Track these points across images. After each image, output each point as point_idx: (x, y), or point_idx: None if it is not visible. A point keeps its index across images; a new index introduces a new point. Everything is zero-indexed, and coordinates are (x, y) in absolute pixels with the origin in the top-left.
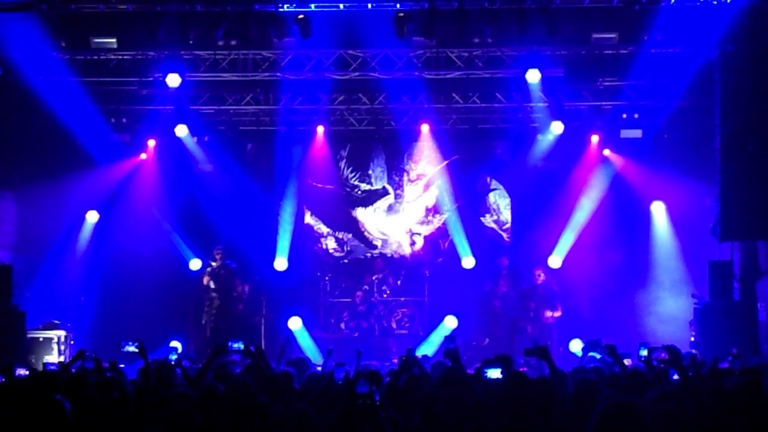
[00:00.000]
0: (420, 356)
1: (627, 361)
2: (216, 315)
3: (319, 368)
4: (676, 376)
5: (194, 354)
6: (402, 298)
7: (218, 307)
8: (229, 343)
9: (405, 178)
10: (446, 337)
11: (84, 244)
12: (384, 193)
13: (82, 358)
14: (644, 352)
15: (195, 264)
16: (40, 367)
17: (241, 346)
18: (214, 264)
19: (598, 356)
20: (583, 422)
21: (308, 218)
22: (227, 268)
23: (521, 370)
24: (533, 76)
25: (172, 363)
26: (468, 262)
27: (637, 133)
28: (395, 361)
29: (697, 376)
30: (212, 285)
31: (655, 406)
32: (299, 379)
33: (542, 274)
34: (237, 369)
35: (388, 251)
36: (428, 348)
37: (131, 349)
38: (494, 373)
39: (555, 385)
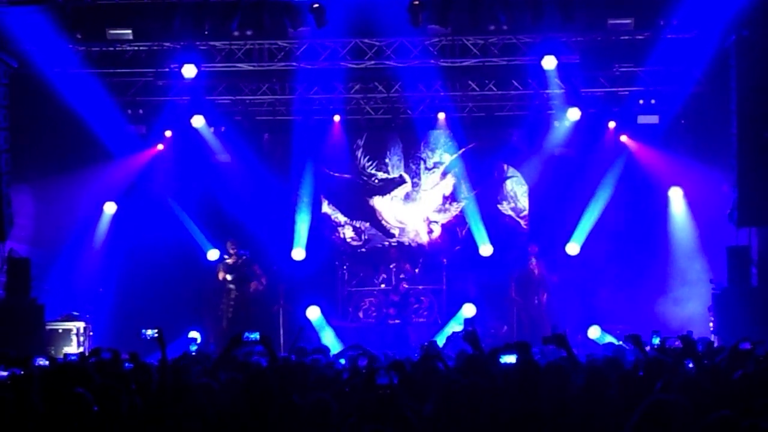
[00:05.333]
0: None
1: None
2: (234, 306)
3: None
4: (691, 365)
5: (214, 345)
6: (420, 287)
7: (236, 297)
8: (245, 335)
9: (422, 166)
10: (466, 320)
11: (101, 235)
12: (401, 181)
13: (98, 354)
14: (656, 341)
15: (213, 254)
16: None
17: (257, 337)
18: (227, 258)
19: (618, 342)
20: (596, 410)
21: (325, 207)
22: (242, 258)
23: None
24: (549, 62)
25: (193, 354)
26: (485, 249)
27: (653, 119)
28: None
29: (711, 363)
30: (228, 278)
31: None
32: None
33: (534, 260)
34: (254, 358)
35: (405, 240)
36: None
37: (150, 333)
38: (509, 359)
39: (570, 372)
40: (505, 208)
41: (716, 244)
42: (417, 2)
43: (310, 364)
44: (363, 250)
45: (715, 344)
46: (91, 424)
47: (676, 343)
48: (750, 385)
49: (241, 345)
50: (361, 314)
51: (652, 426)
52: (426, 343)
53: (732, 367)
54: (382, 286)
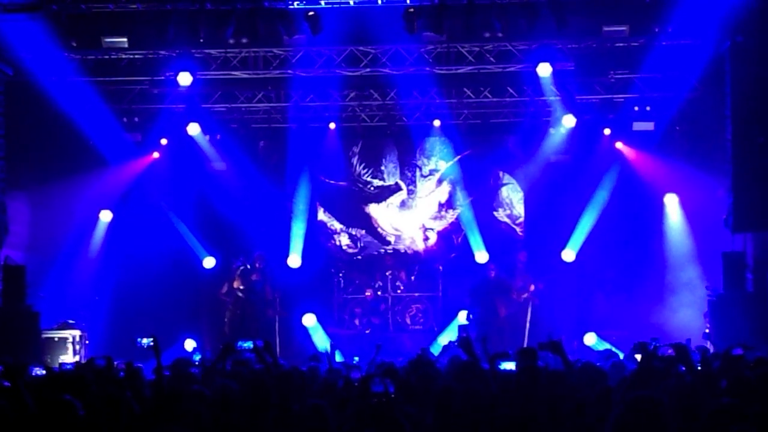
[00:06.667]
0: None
1: (637, 356)
2: (240, 315)
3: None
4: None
5: (210, 352)
6: (416, 294)
7: (242, 306)
8: (238, 343)
9: (417, 173)
10: (460, 327)
11: (97, 243)
12: (396, 188)
13: (92, 364)
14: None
15: (208, 262)
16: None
17: (250, 346)
18: (244, 266)
19: (615, 349)
20: (593, 415)
21: (321, 215)
22: (262, 273)
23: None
24: (544, 69)
25: (197, 363)
26: (481, 256)
27: (649, 126)
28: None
29: (707, 370)
30: (241, 286)
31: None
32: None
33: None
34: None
35: (401, 247)
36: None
37: (146, 341)
38: (509, 365)
39: (567, 379)
40: (501, 215)
41: (712, 250)
42: (412, 10)
43: (307, 372)
44: (359, 257)
45: (711, 350)
46: (79, 430)
47: (669, 351)
48: (742, 391)
49: (234, 353)
50: (356, 321)
51: (634, 422)
52: (420, 351)
53: (725, 373)
54: (367, 293)
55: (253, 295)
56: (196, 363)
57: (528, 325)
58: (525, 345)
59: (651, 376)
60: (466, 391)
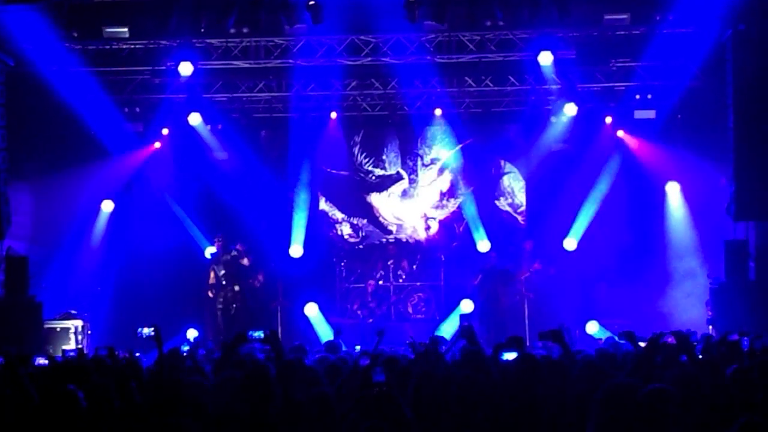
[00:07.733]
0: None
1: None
2: (225, 302)
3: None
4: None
5: (212, 342)
6: (418, 283)
7: (228, 293)
8: (249, 332)
9: (419, 162)
10: (462, 316)
11: (99, 233)
12: (398, 178)
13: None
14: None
15: (210, 252)
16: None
17: (261, 335)
18: (214, 251)
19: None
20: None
21: (323, 204)
22: (231, 254)
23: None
24: (545, 58)
25: (184, 354)
26: (483, 245)
27: (650, 114)
28: (411, 336)
29: (709, 358)
30: (221, 273)
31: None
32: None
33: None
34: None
35: (403, 236)
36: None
37: (147, 331)
38: (510, 356)
39: (566, 368)
40: (503, 203)
41: (714, 238)
42: None
43: (314, 361)
44: (360, 246)
45: (713, 339)
46: (81, 420)
47: (670, 339)
48: (745, 378)
49: (245, 342)
50: (358, 311)
51: (613, 411)
52: (411, 340)
53: (727, 361)
54: (369, 282)
55: (235, 281)
56: (185, 354)
57: (527, 313)
58: (526, 334)
59: (652, 365)
60: (466, 378)
